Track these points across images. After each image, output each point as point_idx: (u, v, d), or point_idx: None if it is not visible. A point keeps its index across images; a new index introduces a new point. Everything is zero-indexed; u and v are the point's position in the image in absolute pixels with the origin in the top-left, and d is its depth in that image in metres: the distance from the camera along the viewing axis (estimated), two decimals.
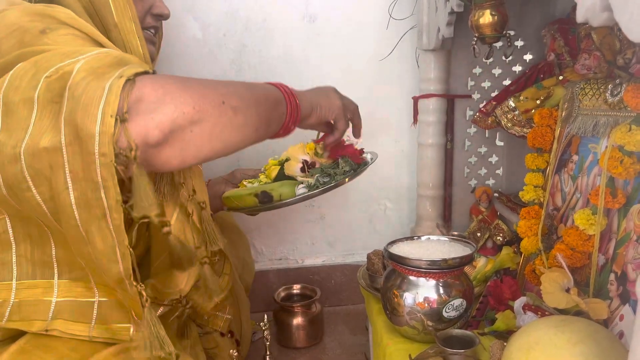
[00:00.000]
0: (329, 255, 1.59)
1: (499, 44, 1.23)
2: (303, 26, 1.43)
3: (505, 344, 0.73)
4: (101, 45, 0.76)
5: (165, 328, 0.72)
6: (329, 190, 1.00)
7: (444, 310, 0.86)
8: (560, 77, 1.07)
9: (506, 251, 1.05)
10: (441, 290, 0.86)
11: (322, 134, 1.06)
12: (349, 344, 1.37)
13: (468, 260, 0.89)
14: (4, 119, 0.63)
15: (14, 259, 0.74)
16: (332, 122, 0.99)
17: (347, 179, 1.01)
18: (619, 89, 0.82)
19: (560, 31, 1.11)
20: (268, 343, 1.17)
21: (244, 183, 1.14)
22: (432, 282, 0.87)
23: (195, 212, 0.89)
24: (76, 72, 0.60)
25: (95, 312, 0.75)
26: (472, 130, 1.40)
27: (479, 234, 1.33)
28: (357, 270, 1.20)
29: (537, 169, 0.99)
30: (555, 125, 0.97)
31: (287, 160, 1.09)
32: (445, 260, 0.86)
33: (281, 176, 1.08)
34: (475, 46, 1.02)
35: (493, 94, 1.34)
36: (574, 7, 1.11)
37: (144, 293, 0.66)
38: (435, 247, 0.95)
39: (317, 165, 1.06)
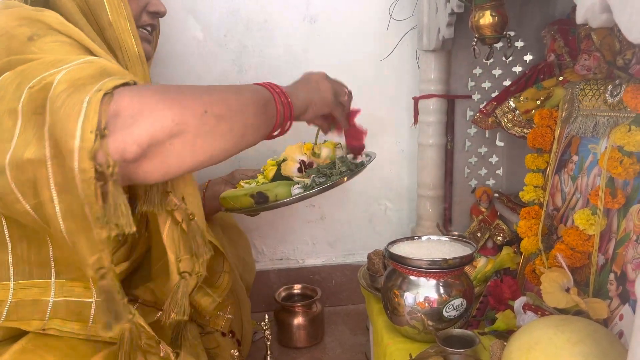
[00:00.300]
0: (329, 255, 1.60)
1: (499, 45, 1.23)
2: (304, 27, 1.44)
3: (505, 343, 0.73)
4: (90, 51, 0.74)
5: (161, 333, 0.72)
6: (325, 190, 0.99)
7: (444, 310, 0.86)
8: (560, 78, 1.08)
9: (506, 251, 1.05)
10: (441, 290, 0.87)
11: (322, 134, 1.06)
12: (349, 344, 1.37)
13: (468, 260, 0.90)
14: None
15: (10, 259, 0.74)
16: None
17: (345, 178, 1.00)
18: (619, 90, 0.82)
19: (560, 32, 1.12)
20: (269, 343, 1.17)
21: (241, 183, 1.14)
22: (433, 281, 0.87)
23: (185, 222, 0.83)
24: (57, 83, 0.59)
25: (92, 312, 0.75)
26: (473, 130, 1.40)
27: (479, 234, 1.33)
28: (358, 270, 1.20)
29: (537, 169, 0.99)
30: (555, 126, 0.97)
31: (284, 160, 1.09)
32: (445, 260, 0.86)
33: (278, 177, 1.08)
34: (475, 47, 1.02)
35: (493, 95, 1.34)
36: (573, 8, 1.11)
37: (132, 311, 0.64)
38: (436, 247, 0.95)
39: (315, 166, 1.06)
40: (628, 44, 0.87)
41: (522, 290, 0.97)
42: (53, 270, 0.75)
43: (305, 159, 1.07)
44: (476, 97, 1.38)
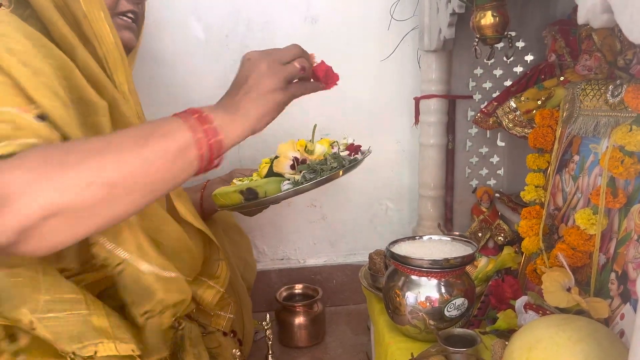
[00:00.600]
0: (330, 255, 1.60)
1: (500, 45, 1.23)
2: (305, 27, 1.44)
3: (506, 342, 0.73)
4: (26, 93, 0.67)
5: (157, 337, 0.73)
6: (315, 186, 0.97)
7: (445, 309, 0.86)
8: (561, 78, 1.08)
9: (507, 251, 1.06)
10: (443, 290, 0.87)
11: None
12: (350, 344, 1.37)
13: (469, 259, 0.90)
14: None
15: None
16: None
17: (340, 172, 0.99)
18: (620, 90, 0.82)
19: (561, 32, 1.12)
20: (270, 342, 1.17)
21: (234, 181, 1.14)
22: (434, 281, 0.87)
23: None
24: None
25: None
26: (474, 130, 1.41)
27: (480, 234, 1.33)
28: (359, 270, 1.20)
29: (538, 169, 0.99)
30: (556, 126, 0.97)
31: (276, 157, 1.08)
32: (447, 260, 0.86)
33: (271, 174, 1.07)
34: (476, 47, 1.02)
35: (494, 95, 1.34)
36: (574, 8, 1.12)
37: None
38: (437, 246, 0.95)
39: (307, 163, 1.05)
40: (629, 44, 0.87)
41: (523, 290, 0.97)
42: None
43: (298, 155, 1.06)
44: (477, 97, 1.38)
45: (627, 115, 0.80)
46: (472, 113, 1.39)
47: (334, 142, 1.10)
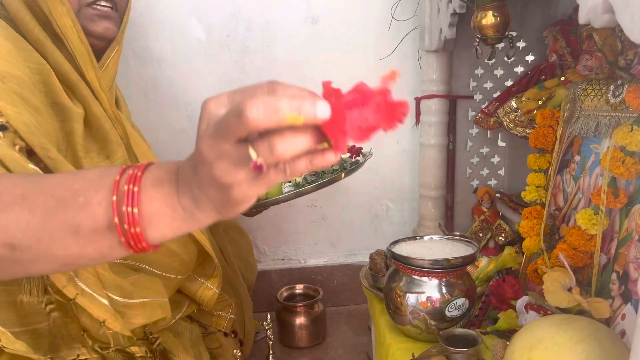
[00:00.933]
0: (331, 255, 1.60)
1: (500, 45, 1.23)
2: (305, 27, 1.44)
3: (507, 343, 0.73)
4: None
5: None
6: (317, 189, 0.97)
7: (446, 309, 0.86)
8: (562, 78, 1.08)
9: (508, 251, 1.06)
10: (444, 290, 0.87)
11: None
12: (351, 344, 1.37)
13: (470, 260, 0.90)
14: None
15: None
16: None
17: (342, 175, 0.99)
18: (621, 90, 0.82)
19: (561, 32, 1.12)
20: (271, 343, 1.17)
21: None
22: (435, 281, 0.87)
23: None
24: None
25: None
26: (474, 130, 1.41)
27: (481, 234, 1.33)
28: (359, 270, 1.20)
29: (539, 169, 0.99)
30: (557, 126, 0.97)
31: None
32: (448, 260, 0.86)
33: None
34: (477, 47, 1.02)
35: (495, 95, 1.34)
36: (575, 9, 1.12)
37: None
38: (438, 247, 0.95)
39: None
40: (630, 44, 0.87)
41: (524, 290, 0.97)
42: None
43: None
44: (478, 97, 1.38)
45: (628, 115, 0.80)
46: (473, 113, 1.39)
47: None
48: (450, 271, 0.87)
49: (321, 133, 0.41)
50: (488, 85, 1.38)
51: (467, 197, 1.44)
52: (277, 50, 1.44)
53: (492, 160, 1.44)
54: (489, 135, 1.41)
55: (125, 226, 0.46)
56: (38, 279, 0.67)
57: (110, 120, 0.88)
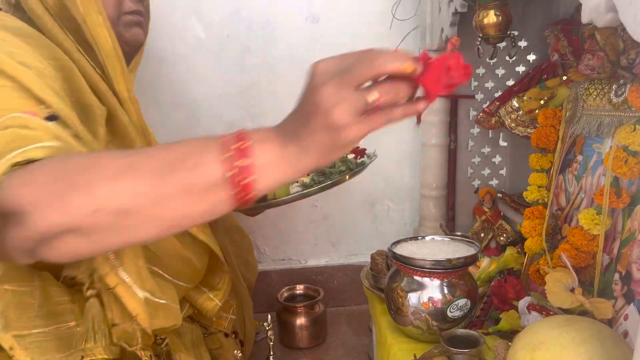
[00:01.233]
0: (331, 255, 1.59)
1: (502, 44, 1.23)
2: (306, 27, 1.44)
3: (509, 343, 0.73)
4: (34, 94, 0.66)
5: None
6: (324, 189, 0.97)
7: (448, 310, 0.86)
8: (564, 78, 1.08)
9: (510, 251, 1.05)
10: (445, 290, 0.86)
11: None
12: (352, 345, 1.37)
13: (472, 260, 0.90)
14: None
15: None
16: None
17: (346, 177, 0.99)
18: (623, 89, 0.82)
19: (563, 31, 1.11)
20: (271, 343, 1.17)
21: None
22: (437, 282, 0.87)
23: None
24: None
25: None
26: (476, 130, 1.40)
27: (482, 234, 1.33)
28: (360, 270, 1.20)
29: (541, 169, 0.99)
30: (559, 126, 0.97)
31: None
32: (449, 260, 0.86)
33: None
34: (479, 46, 1.02)
35: (496, 94, 1.34)
36: (577, 8, 1.11)
37: None
38: (439, 247, 0.95)
39: None
40: (632, 44, 0.87)
41: (526, 291, 0.96)
42: None
43: None
44: (479, 96, 1.38)
45: (630, 114, 0.80)
46: (475, 113, 1.38)
47: None
48: (452, 272, 0.87)
49: (414, 86, 0.54)
50: (489, 84, 1.37)
51: (468, 197, 1.43)
52: (278, 49, 1.43)
53: (493, 160, 1.43)
54: (490, 135, 1.41)
55: (238, 178, 0.53)
56: (86, 264, 0.68)
57: (136, 130, 0.87)
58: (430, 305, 0.86)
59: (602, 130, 0.86)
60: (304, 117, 0.53)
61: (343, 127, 0.51)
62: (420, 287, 0.87)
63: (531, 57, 1.33)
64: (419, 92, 0.55)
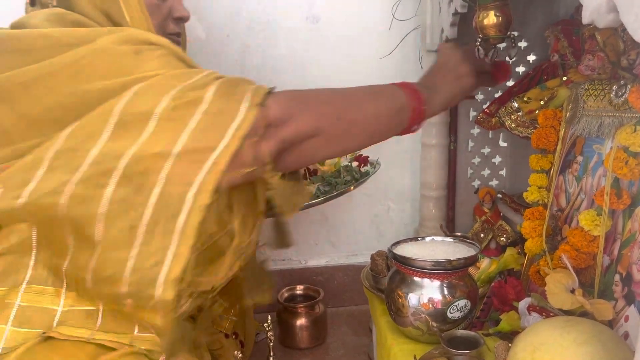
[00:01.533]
0: (332, 256, 1.59)
1: (502, 45, 1.23)
2: (306, 27, 1.44)
3: (510, 344, 0.73)
4: (184, 60, 0.80)
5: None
6: (330, 199, 0.99)
7: (448, 311, 0.86)
8: (564, 78, 1.07)
9: (510, 252, 1.05)
10: (445, 291, 0.86)
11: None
12: (352, 345, 1.37)
13: (472, 261, 0.90)
14: (116, 130, 0.69)
15: (31, 263, 0.74)
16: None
17: (352, 187, 1.01)
18: (624, 90, 0.82)
19: (563, 32, 1.11)
20: (272, 344, 1.17)
21: None
22: (437, 282, 0.87)
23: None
24: (212, 95, 0.72)
25: (99, 320, 0.75)
26: (476, 131, 1.40)
27: (482, 235, 1.33)
28: (360, 271, 1.20)
29: (541, 169, 0.99)
30: (559, 126, 0.97)
31: None
32: (449, 261, 0.86)
33: None
34: (479, 47, 1.02)
35: (496, 95, 1.34)
36: (577, 8, 1.11)
37: (184, 295, 0.69)
38: (440, 248, 0.95)
39: (319, 173, 1.06)
40: (632, 44, 0.87)
41: (526, 292, 0.96)
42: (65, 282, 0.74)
43: (310, 166, 1.06)
44: (479, 97, 1.38)
45: (631, 115, 0.80)
46: (475, 113, 1.38)
47: None
48: (452, 272, 0.86)
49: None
50: None
51: (468, 197, 1.43)
52: (278, 49, 1.43)
53: (493, 160, 1.43)
54: (490, 136, 1.41)
55: (416, 106, 0.84)
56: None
57: None
58: (430, 306, 0.86)
59: (602, 131, 0.86)
60: (440, 74, 0.90)
61: (466, 75, 0.90)
62: (420, 287, 0.87)
63: (531, 58, 1.33)
64: None
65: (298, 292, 1.45)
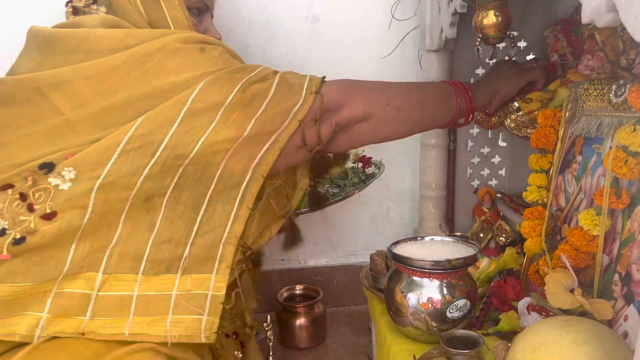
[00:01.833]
0: (331, 255, 1.59)
1: (502, 45, 1.23)
2: (306, 27, 1.44)
3: (509, 344, 0.73)
4: (238, 58, 0.94)
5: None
6: (336, 202, 1.00)
7: (447, 310, 0.86)
8: (564, 78, 1.07)
9: (509, 252, 1.05)
10: (445, 291, 0.86)
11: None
12: (351, 345, 1.37)
13: (472, 260, 0.89)
14: (187, 118, 0.78)
15: (70, 254, 0.76)
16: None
17: (356, 191, 1.02)
18: (623, 90, 0.82)
19: (563, 32, 1.11)
20: (271, 343, 1.17)
21: None
22: (436, 282, 0.87)
23: None
24: (275, 87, 0.84)
25: (133, 306, 0.77)
26: (475, 130, 1.40)
27: (481, 235, 1.33)
28: (360, 270, 1.20)
29: (541, 169, 0.99)
30: (558, 126, 0.97)
31: None
32: (449, 261, 0.86)
33: None
34: (478, 47, 1.02)
35: None
36: (576, 8, 1.11)
37: (243, 250, 0.81)
38: (439, 247, 0.95)
39: (327, 175, 1.07)
40: (632, 44, 0.87)
41: (525, 291, 0.96)
42: (104, 263, 0.77)
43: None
44: None
45: (630, 115, 0.80)
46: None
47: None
48: (452, 272, 0.86)
49: None
50: None
51: (467, 197, 1.43)
52: (277, 49, 1.43)
53: (493, 160, 1.43)
54: (489, 135, 1.41)
55: (462, 94, 0.97)
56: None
57: None
58: (430, 305, 0.86)
59: (601, 131, 0.86)
60: (504, 81, 1.05)
61: (512, 75, 1.04)
62: (420, 287, 0.87)
63: (531, 58, 1.33)
64: None
65: (297, 291, 1.45)
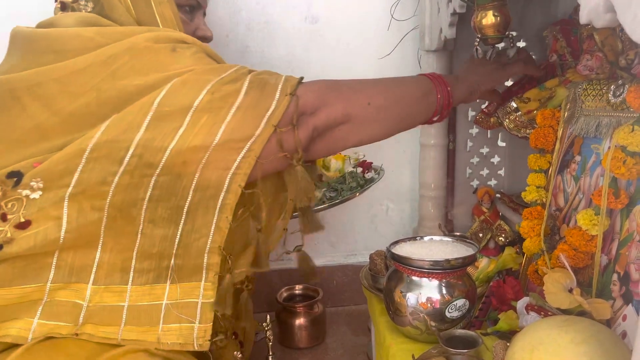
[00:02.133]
0: (331, 255, 1.59)
1: (501, 45, 1.23)
2: (305, 27, 1.44)
3: (508, 344, 0.73)
4: (213, 57, 0.86)
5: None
6: (334, 205, 1.00)
7: (446, 310, 0.86)
8: (563, 78, 1.07)
9: (508, 252, 1.05)
10: (444, 291, 0.87)
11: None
12: (351, 345, 1.37)
13: (471, 260, 0.90)
14: (154, 122, 0.74)
15: (54, 262, 0.75)
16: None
17: (355, 194, 1.01)
18: (622, 90, 0.82)
19: (562, 32, 1.11)
20: (271, 343, 1.17)
21: None
22: (435, 282, 0.87)
23: None
24: (246, 88, 0.78)
25: (124, 315, 0.77)
26: (474, 130, 1.40)
27: (481, 235, 1.33)
28: (359, 270, 1.20)
29: (540, 169, 0.99)
30: (557, 126, 0.97)
31: None
32: (448, 261, 0.86)
33: None
34: (477, 47, 1.02)
35: None
36: (575, 8, 1.11)
37: (229, 260, 0.77)
38: (438, 247, 0.95)
39: (324, 179, 1.07)
40: (630, 44, 0.87)
41: (524, 291, 0.96)
42: (93, 275, 0.76)
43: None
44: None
45: (629, 115, 0.80)
46: (473, 113, 1.38)
47: (347, 157, 1.11)
48: (451, 272, 0.87)
49: None
50: None
51: (467, 197, 1.43)
52: (277, 49, 1.43)
53: (492, 160, 1.43)
54: (489, 135, 1.41)
55: (442, 88, 0.91)
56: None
57: None
58: (429, 305, 0.86)
59: (600, 131, 0.86)
60: (485, 75, 1.00)
61: (493, 70, 1.00)
62: (419, 287, 0.87)
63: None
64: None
65: (297, 291, 1.45)
